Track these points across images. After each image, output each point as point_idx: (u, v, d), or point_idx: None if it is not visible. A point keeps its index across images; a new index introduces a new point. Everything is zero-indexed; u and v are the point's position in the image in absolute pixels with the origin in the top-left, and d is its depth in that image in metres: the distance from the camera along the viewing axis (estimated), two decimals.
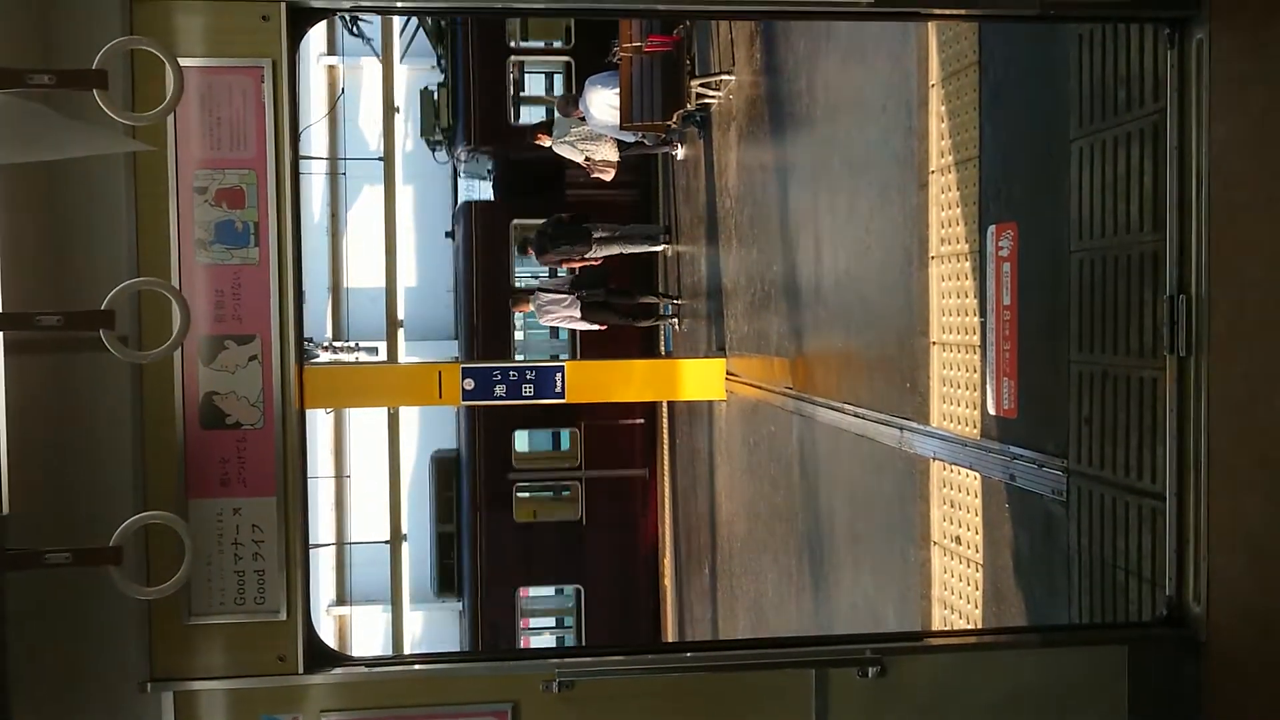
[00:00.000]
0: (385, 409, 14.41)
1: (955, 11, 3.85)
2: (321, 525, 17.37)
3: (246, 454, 2.95)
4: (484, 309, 14.30)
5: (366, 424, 17.27)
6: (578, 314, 11.88)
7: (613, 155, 11.80)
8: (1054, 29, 4.23)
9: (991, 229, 4.76)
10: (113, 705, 2.87)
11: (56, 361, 2.75)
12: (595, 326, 12.22)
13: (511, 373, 9.31)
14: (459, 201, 15.23)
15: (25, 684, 2.55)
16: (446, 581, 15.63)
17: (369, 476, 17.07)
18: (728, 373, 9.87)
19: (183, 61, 2.61)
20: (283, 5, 2.90)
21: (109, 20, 2.80)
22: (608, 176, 11.99)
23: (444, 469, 15.42)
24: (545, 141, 11.82)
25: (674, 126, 11.05)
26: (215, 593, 2.95)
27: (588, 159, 11.81)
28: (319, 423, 17.04)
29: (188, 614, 2.93)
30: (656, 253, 13.43)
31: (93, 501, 2.79)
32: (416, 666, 3.13)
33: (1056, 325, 4.24)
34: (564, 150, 11.81)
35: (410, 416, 16.71)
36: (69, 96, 2.50)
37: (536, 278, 14.87)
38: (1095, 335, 3.95)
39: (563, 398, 9.42)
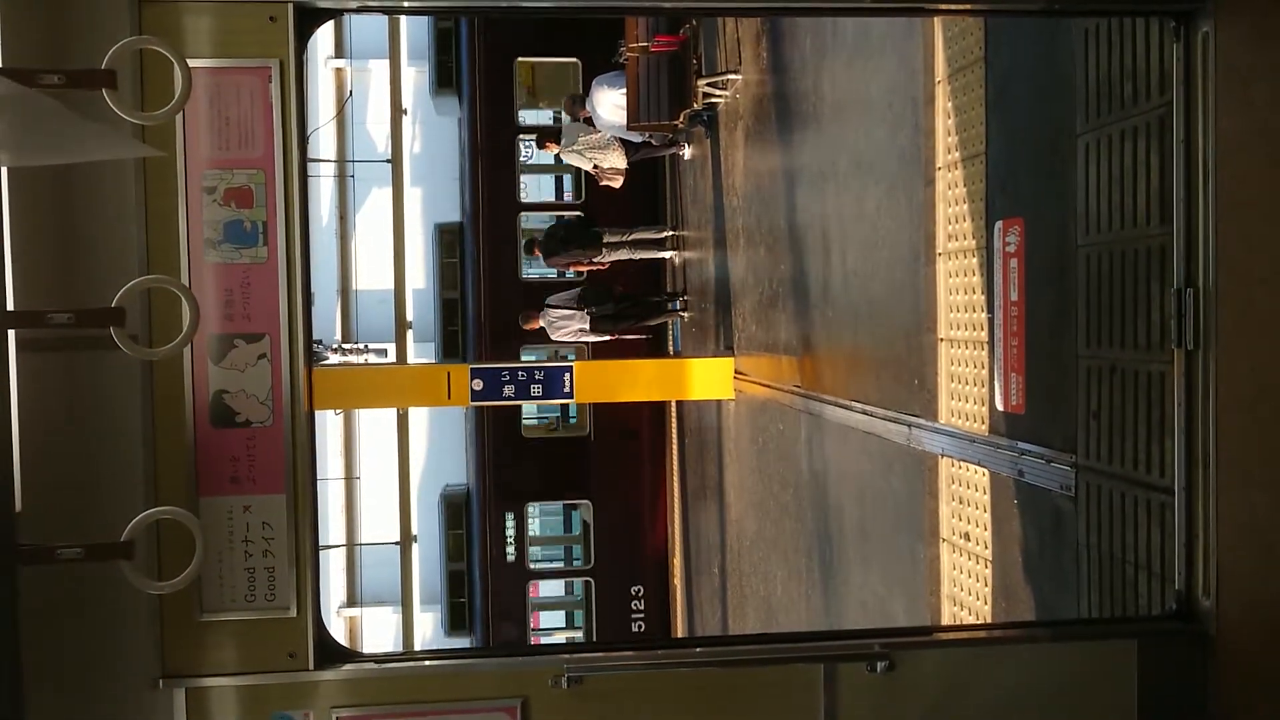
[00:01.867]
0: (395, 410, 14.45)
1: (961, 6, 3.86)
2: (331, 527, 17.41)
3: (256, 452, 2.97)
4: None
5: (376, 425, 17.31)
6: (588, 328, 11.88)
7: (621, 163, 11.81)
8: (1060, 23, 4.23)
9: (999, 224, 4.76)
10: (126, 702, 2.89)
11: (68, 360, 2.77)
12: (606, 338, 12.23)
13: (520, 373, 9.33)
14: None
15: (40, 680, 2.57)
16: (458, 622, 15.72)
17: (379, 478, 17.11)
18: (736, 372, 9.88)
19: (191, 62, 2.63)
20: (290, 5, 2.92)
21: (117, 21, 2.81)
22: (617, 184, 12.02)
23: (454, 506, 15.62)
24: (553, 150, 11.84)
25: (681, 126, 11.05)
26: (226, 590, 2.97)
27: (596, 167, 11.83)
28: (328, 425, 17.08)
29: (199, 611, 2.95)
30: (664, 259, 13.44)
31: (104, 500, 2.81)
32: (426, 663, 3.15)
33: (1064, 320, 4.23)
34: (572, 158, 11.83)
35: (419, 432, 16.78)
36: (79, 100, 2.52)
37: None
38: (1103, 330, 3.95)
39: (571, 398, 9.43)
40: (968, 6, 3.76)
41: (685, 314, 12.69)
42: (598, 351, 13.06)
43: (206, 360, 2.94)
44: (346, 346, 16.39)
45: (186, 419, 2.92)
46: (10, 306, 2.52)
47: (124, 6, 2.83)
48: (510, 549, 14.64)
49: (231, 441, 2.96)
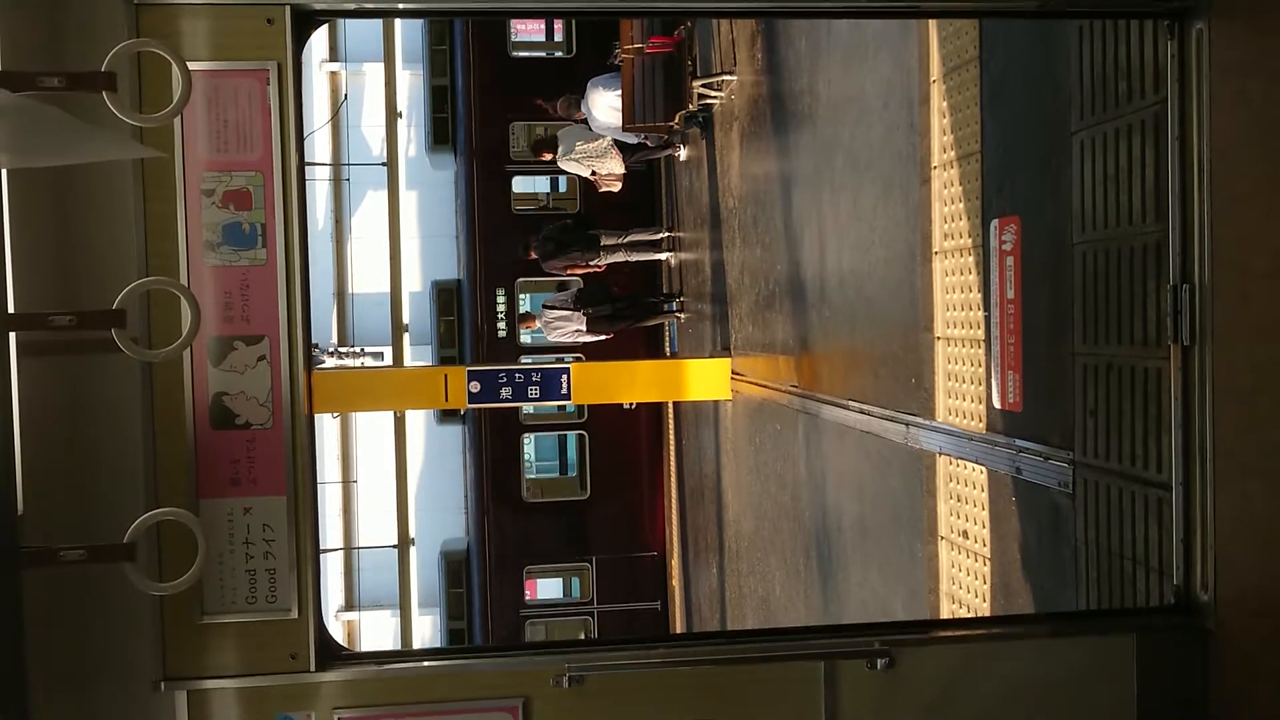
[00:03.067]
0: (392, 413, 14.43)
1: (956, 6, 3.87)
2: (330, 530, 17.39)
3: (256, 454, 2.97)
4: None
5: (373, 429, 17.29)
6: (585, 328, 11.91)
7: (618, 168, 11.85)
8: (1053, 22, 4.25)
9: (994, 223, 4.78)
10: (127, 704, 2.89)
11: (68, 363, 2.77)
12: (603, 337, 12.26)
13: (517, 375, 9.34)
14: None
15: (42, 683, 2.57)
16: None
17: (376, 481, 17.09)
18: (733, 372, 9.89)
19: (189, 65, 2.63)
20: (287, 8, 2.93)
21: (115, 25, 2.82)
22: (616, 188, 12.06)
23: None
24: (549, 158, 11.90)
25: (676, 127, 11.07)
26: (227, 592, 2.97)
27: (594, 173, 11.87)
28: (326, 429, 17.07)
29: (200, 613, 2.95)
30: (661, 260, 13.46)
31: (105, 502, 2.81)
32: (427, 663, 3.15)
33: (1060, 318, 4.25)
34: (570, 166, 11.87)
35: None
36: (78, 102, 2.52)
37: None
38: (1099, 327, 3.97)
39: (569, 399, 9.44)
40: (961, 6, 3.77)
41: (682, 315, 12.71)
42: (594, 352, 13.07)
43: (206, 362, 2.94)
44: (343, 350, 16.38)
45: (187, 421, 2.92)
46: (11, 309, 2.52)
47: (121, 11, 2.83)
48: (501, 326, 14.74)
49: (231, 443, 2.96)
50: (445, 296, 15.64)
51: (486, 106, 14.35)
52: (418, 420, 16.71)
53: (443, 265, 16.25)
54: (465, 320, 15.01)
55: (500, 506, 14.85)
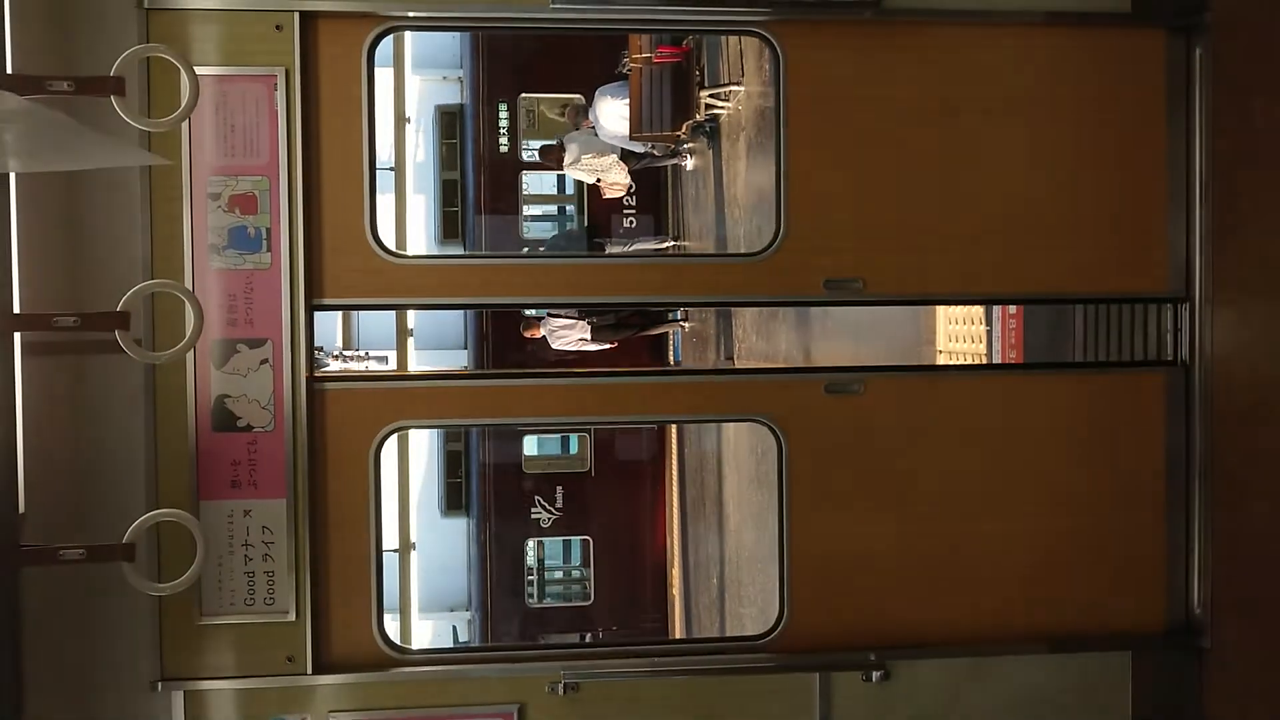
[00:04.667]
0: None
1: (952, 295, 3.87)
2: None
3: (257, 456, 2.99)
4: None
5: None
6: (589, 336, 11.92)
7: (623, 177, 11.93)
8: None
9: None
10: (124, 704, 2.91)
11: (72, 363, 2.79)
12: (606, 346, 12.26)
13: None
14: None
15: (39, 681, 2.59)
16: None
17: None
18: None
19: (197, 70, 2.66)
20: (296, 15, 2.96)
21: (125, 31, 2.85)
22: (619, 194, 12.13)
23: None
24: (551, 160, 11.98)
25: (683, 137, 11.09)
26: (225, 593, 2.99)
27: (599, 180, 11.94)
28: None
29: (198, 614, 2.97)
30: None
31: (106, 503, 2.83)
32: (424, 668, 3.16)
33: (1060, 332, 4.25)
34: (576, 173, 11.94)
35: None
36: (87, 108, 2.55)
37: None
38: (1099, 342, 3.97)
39: None
40: (959, 294, 3.81)
41: (686, 324, 12.72)
42: (598, 361, 13.08)
43: (209, 365, 2.96)
44: (348, 354, 16.38)
45: (188, 423, 2.95)
46: (17, 309, 2.54)
47: (131, 15, 2.87)
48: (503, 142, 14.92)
49: (233, 446, 2.98)
50: (448, 120, 15.78)
51: None
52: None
53: (447, 94, 16.66)
54: (468, 142, 15.22)
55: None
